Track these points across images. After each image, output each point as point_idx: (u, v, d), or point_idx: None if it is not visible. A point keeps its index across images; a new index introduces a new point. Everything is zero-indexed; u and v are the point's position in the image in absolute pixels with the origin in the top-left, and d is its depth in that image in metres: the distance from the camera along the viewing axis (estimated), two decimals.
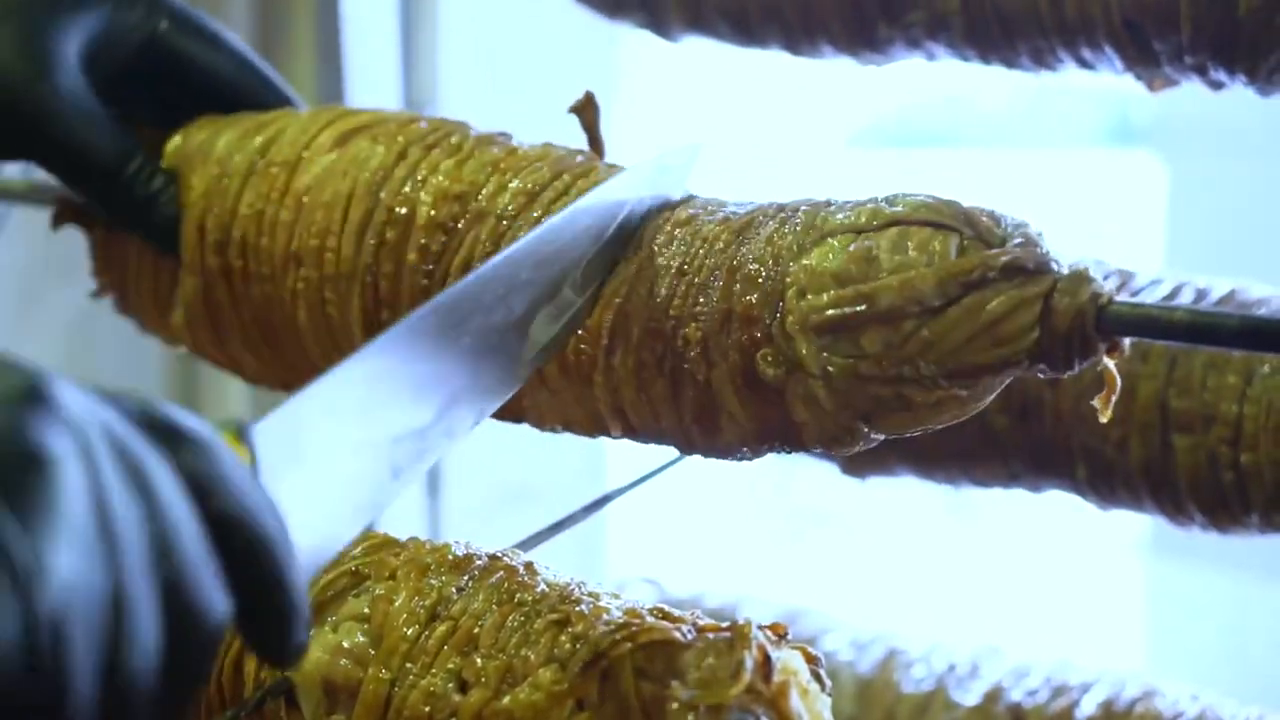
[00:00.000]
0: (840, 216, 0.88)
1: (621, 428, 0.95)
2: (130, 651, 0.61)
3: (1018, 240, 0.85)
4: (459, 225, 0.99)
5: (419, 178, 1.01)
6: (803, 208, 0.90)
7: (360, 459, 0.77)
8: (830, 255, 0.86)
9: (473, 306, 0.84)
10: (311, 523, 0.71)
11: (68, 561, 0.58)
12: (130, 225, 1.09)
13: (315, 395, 0.74)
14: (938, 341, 0.84)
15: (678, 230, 0.92)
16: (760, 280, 0.88)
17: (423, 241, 0.99)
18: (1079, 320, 0.84)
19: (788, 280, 0.87)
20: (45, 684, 0.58)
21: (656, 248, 0.92)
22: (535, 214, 0.97)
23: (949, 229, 0.85)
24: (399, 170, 1.01)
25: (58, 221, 1.16)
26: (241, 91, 1.11)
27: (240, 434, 0.69)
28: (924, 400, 0.85)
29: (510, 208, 0.98)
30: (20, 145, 1.05)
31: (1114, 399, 0.86)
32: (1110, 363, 0.86)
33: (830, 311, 0.85)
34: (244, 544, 0.65)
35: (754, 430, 0.89)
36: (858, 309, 0.85)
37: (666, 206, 0.94)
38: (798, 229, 0.88)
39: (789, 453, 0.90)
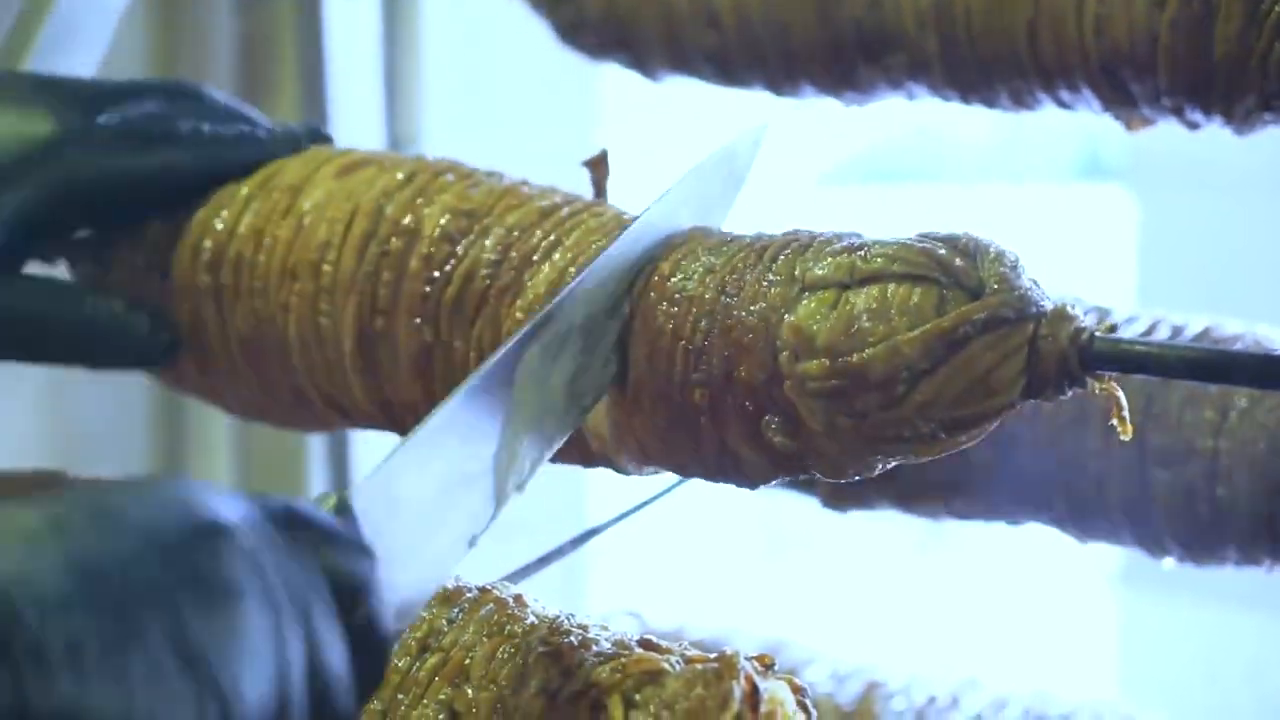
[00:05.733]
0: (819, 270, 0.88)
1: (646, 466, 0.97)
2: None
3: (993, 285, 0.86)
4: (467, 237, 0.99)
5: (427, 196, 1.02)
6: (781, 255, 0.90)
7: (459, 494, 0.81)
8: (815, 319, 0.87)
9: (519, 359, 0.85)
10: (409, 572, 0.77)
11: (255, 694, 0.64)
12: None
13: (402, 456, 0.78)
14: (932, 402, 0.85)
15: (666, 284, 0.92)
16: (753, 346, 0.88)
17: (427, 251, 1.00)
18: (1064, 361, 0.85)
19: (779, 344, 0.88)
20: None
21: (649, 305, 0.92)
22: (548, 230, 0.98)
23: (927, 280, 0.87)
24: (406, 191, 1.03)
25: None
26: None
27: (340, 507, 0.74)
28: (928, 449, 0.87)
29: (521, 223, 0.99)
30: None
31: (1126, 414, 0.87)
32: (1098, 387, 0.87)
33: (823, 383, 0.86)
34: (369, 651, 0.71)
35: (775, 470, 0.91)
36: (849, 382, 0.86)
37: (656, 253, 0.94)
38: (779, 282, 0.89)
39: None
